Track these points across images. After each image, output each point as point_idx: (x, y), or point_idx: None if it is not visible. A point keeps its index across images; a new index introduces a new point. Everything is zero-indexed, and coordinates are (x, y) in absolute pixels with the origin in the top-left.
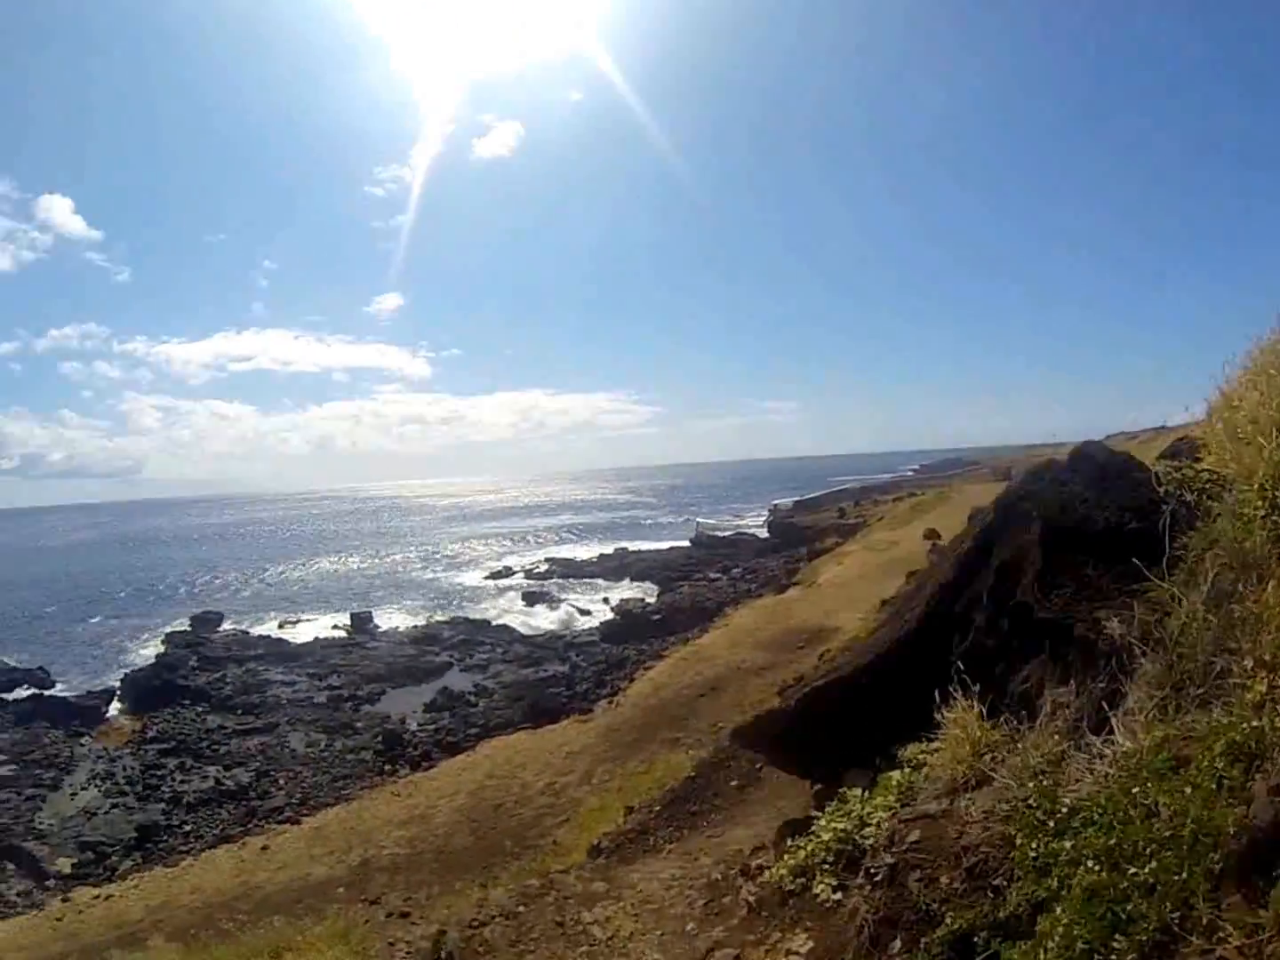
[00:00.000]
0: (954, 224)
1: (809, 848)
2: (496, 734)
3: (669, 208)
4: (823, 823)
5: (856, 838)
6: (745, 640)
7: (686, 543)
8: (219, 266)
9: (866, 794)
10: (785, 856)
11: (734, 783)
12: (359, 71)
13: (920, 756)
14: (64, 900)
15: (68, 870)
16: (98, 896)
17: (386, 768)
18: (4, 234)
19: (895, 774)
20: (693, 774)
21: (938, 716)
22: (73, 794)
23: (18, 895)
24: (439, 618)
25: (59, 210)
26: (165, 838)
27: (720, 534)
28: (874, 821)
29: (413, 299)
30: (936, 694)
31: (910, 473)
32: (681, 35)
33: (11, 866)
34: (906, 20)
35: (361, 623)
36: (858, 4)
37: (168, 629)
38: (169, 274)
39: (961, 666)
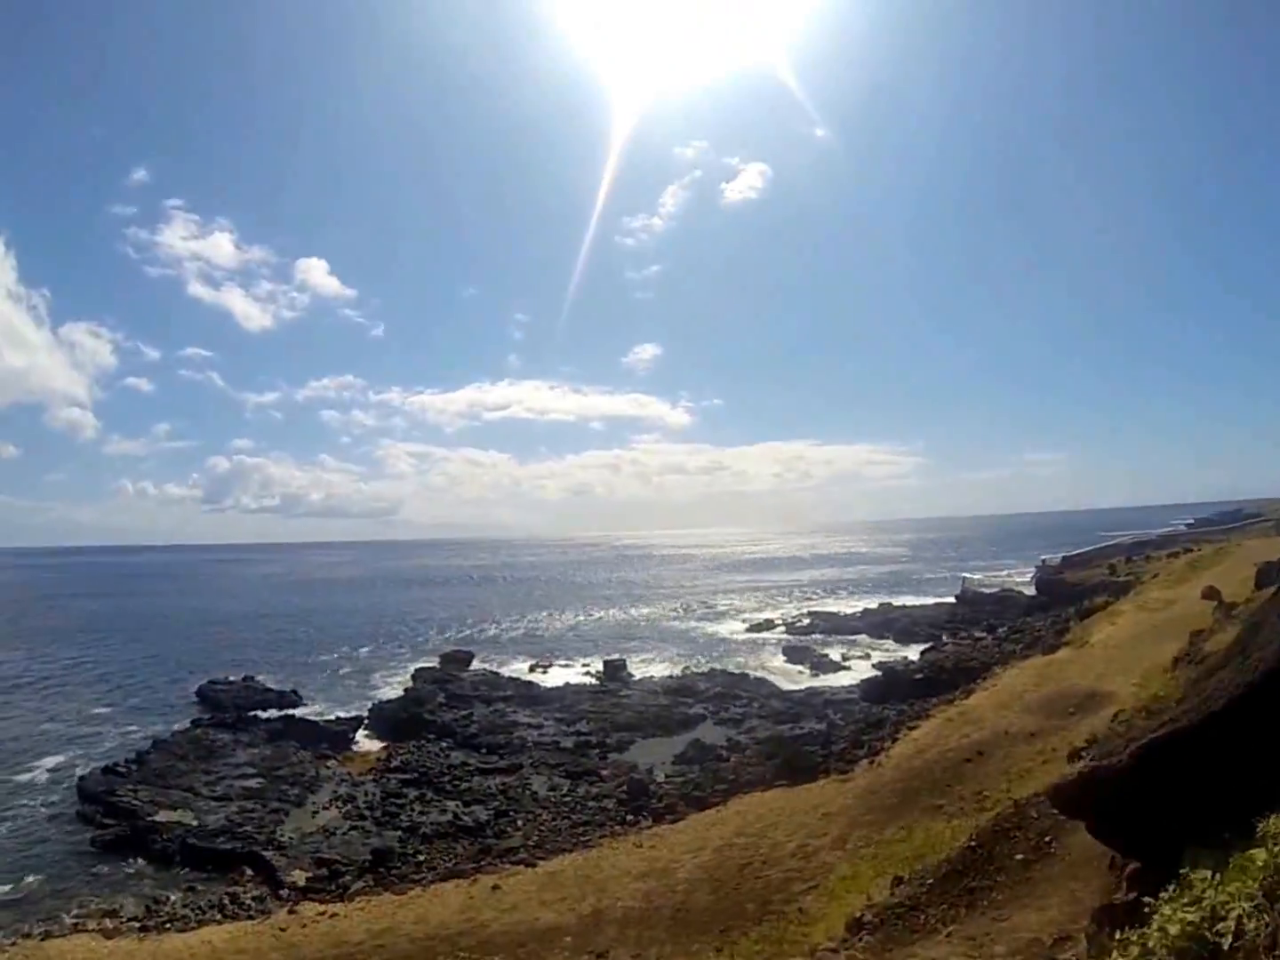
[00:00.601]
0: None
1: (1146, 943)
2: (747, 790)
3: (918, 245)
4: (1166, 912)
5: (1208, 934)
6: (1013, 703)
7: (951, 599)
8: (471, 319)
9: (1218, 878)
10: (1113, 953)
11: (1019, 857)
12: (604, 121)
13: None
14: (290, 912)
15: (301, 883)
16: (323, 913)
17: (629, 818)
18: (266, 295)
19: (1258, 853)
20: (972, 844)
21: None
22: (314, 812)
23: (251, 899)
24: (695, 669)
25: (315, 271)
26: (398, 865)
27: (985, 590)
28: (1231, 914)
29: (670, 349)
30: None
31: (1184, 527)
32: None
33: (250, 872)
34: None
35: (614, 670)
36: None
37: (417, 665)
38: (422, 327)
39: None
